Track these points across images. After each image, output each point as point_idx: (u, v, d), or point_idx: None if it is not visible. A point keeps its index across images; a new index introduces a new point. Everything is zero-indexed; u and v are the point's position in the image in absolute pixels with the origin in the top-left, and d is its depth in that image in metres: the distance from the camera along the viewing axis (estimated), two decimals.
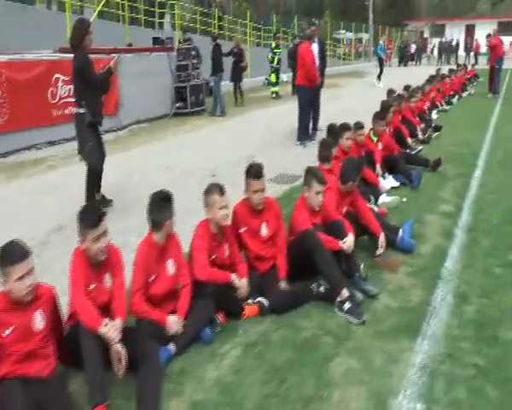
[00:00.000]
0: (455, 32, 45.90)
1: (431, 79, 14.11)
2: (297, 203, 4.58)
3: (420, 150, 8.85)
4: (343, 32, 41.07)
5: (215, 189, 3.96)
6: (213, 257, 3.98)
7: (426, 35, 51.27)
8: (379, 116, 7.51)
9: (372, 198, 6.28)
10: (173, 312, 3.66)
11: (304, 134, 10.12)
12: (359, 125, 7.04)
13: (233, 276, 3.89)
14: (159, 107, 14.18)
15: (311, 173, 4.47)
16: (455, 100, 15.63)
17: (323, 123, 10.95)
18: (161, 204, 3.65)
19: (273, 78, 18.41)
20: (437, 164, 7.70)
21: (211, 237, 3.98)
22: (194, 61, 14.38)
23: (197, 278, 3.80)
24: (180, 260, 3.81)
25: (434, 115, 12.53)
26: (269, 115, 14.46)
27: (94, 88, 6.12)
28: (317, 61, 9.76)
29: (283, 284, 4.13)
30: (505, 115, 13.32)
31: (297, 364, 3.39)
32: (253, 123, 13.38)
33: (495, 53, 16.76)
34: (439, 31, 50.61)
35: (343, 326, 3.80)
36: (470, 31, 46.58)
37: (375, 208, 5.86)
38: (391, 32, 47.16)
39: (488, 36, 17.79)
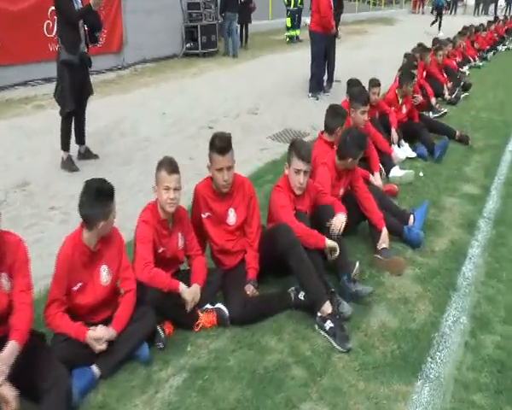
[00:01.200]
0: None
1: (463, 31, 12.50)
2: (278, 182, 3.56)
3: (444, 113, 7.61)
4: None
5: (165, 164, 2.95)
6: (161, 250, 3.03)
7: None
8: (410, 75, 6.25)
9: (382, 170, 5.23)
10: (109, 321, 2.78)
11: (317, 86, 8.90)
12: (374, 83, 5.88)
13: (181, 286, 2.93)
14: (168, 46, 12.92)
15: (293, 146, 3.45)
16: (490, 55, 13.93)
17: (343, 74, 9.80)
18: (97, 198, 2.63)
19: (288, 22, 16.79)
20: (463, 140, 6.48)
21: (159, 224, 3.02)
22: None
23: (137, 278, 2.88)
24: (121, 261, 2.85)
25: (466, 71, 11.08)
26: (284, 61, 13.04)
27: (70, 24, 5.40)
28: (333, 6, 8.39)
29: (251, 288, 3.18)
30: None
31: (250, 407, 2.50)
32: (265, 68, 12.04)
33: None
34: None
35: (321, 353, 2.86)
36: None
37: (380, 183, 4.81)
38: None
39: None
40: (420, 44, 8.83)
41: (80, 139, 5.89)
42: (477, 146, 6.47)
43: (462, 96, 8.77)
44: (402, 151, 5.85)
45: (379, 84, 5.91)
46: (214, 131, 3.33)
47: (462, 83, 9.39)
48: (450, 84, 9.04)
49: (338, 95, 8.85)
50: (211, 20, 13.29)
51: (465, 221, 4.44)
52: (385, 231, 3.72)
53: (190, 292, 2.94)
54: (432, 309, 3.23)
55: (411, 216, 4.21)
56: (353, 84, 5.92)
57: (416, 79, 6.37)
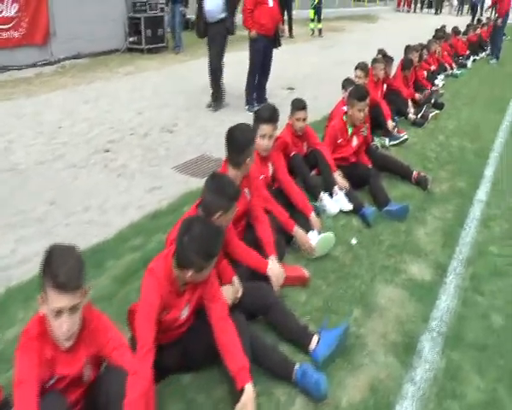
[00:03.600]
0: None
1: (439, 34, 10.82)
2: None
3: (405, 140, 5.93)
4: None
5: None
6: None
7: None
8: (356, 95, 4.56)
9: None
10: None
11: (251, 98, 7.18)
12: (299, 105, 4.30)
13: None
14: (108, 40, 11.08)
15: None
16: (469, 62, 12.25)
17: (298, 79, 8.02)
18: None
19: (311, 14, 16.09)
20: (421, 184, 4.81)
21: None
22: None
23: None
24: None
25: (439, 81, 9.40)
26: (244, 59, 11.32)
27: None
28: (270, 3, 6.63)
29: None
30: None
31: None
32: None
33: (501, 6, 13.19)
34: None
35: None
36: None
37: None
38: None
39: None
40: (381, 51, 7.14)
41: None
42: (439, 192, 4.80)
43: (431, 115, 7.09)
44: (334, 202, 4.19)
45: (304, 107, 4.26)
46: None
47: (432, 100, 7.73)
48: (418, 97, 7.39)
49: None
50: (157, 12, 11.48)
51: (402, 339, 2.80)
52: None
53: None
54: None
55: (314, 337, 2.60)
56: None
57: (366, 102, 4.69)
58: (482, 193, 4.85)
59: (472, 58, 12.71)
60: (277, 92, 8.40)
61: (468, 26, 14.15)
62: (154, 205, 4.35)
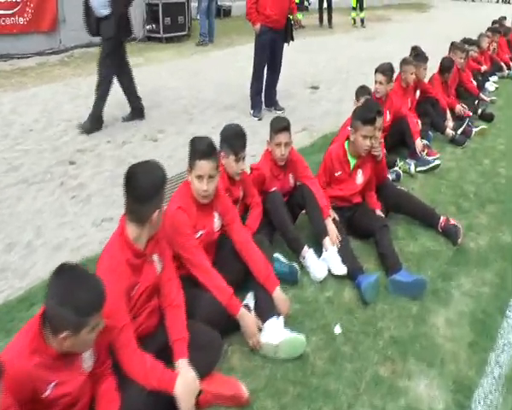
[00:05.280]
0: None
1: (495, 27, 9.21)
2: None
3: (436, 166, 4.64)
4: None
5: None
6: None
7: None
8: (361, 116, 3.35)
9: None
10: None
11: (258, 100, 6.02)
12: (279, 127, 3.15)
13: None
14: None
15: None
16: None
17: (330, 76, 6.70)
18: None
19: (353, 2, 14.51)
20: (449, 234, 3.51)
21: None
22: None
23: None
24: None
25: (491, 86, 7.89)
26: None
27: None
28: None
29: None
30: None
31: None
32: (232, 62, 9.04)
33: None
34: None
35: None
36: None
37: None
38: None
39: None
40: (414, 49, 5.77)
41: None
42: (475, 249, 3.49)
43: (476, 130, 5.70)
44: (321, 262, 3.03)
45: (286, 129, 3.14)
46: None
47: (479, 110, 6.30)
48: (460, 109, 6.00)
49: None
50: None
51: None
52: None
53: None
54: None
55: None
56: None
57: (380, 123, 3.46)
58: None
59: None
60: (297, 91, 7.21)
61: None
62: (94, 246, 3.33)
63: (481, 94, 7.05)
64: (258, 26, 5.52)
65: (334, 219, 3.20)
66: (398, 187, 3.92)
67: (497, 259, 3.39)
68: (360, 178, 3.38)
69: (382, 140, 3.80)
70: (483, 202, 4.21)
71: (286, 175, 3.30)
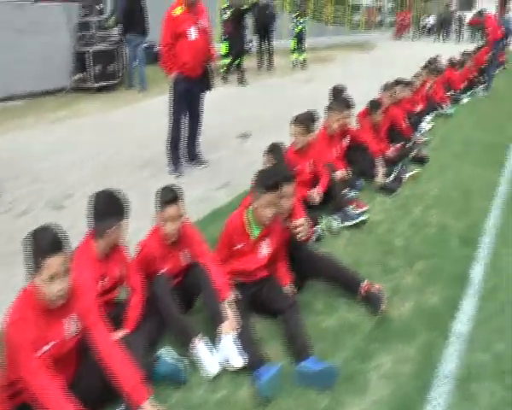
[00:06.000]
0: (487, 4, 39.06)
1: (430, 66, 9.31)
2: None
3: (362, 222, 4.35)
4: None
5: None
6: None
7: (454, 7, 44.51)
8: (262, 181, 3.03)
9: None
10: None
11: (174, 155, 5.68)
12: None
13: None
14: (51, 77, 9.68)
15: None
16: (465, 98, 10.70)
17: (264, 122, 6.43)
18: None
19: (292, 44, 14.82)
20: (371, 302, 3.17)
21: None
22: (102, 16, 9.85)
23: None
24: None
25: (426, 125, 7.87)
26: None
27: None
28: (193, 35, 5.15)
29: None
30: None
31: None
32: (156, 113, 8.72)
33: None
34: (468, 3, 43.76)
35: None
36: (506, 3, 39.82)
37: None
38: (414, 2, 41.04)
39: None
40: (337, 91, 5.60)
41: None
42: (397, 318, 3.16)
43: (409, 175, 5.52)
44: (214, 355, 2.63)
45: (175, 200, 2.78)
46: None
47: (413, 153, 6.17)
48: (392, 152, 5.83)
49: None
50: (108, 45, 10.13)
51: None
52: None
53: None
54: None
55: None
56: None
57: (290, 189, 3.15)
58: (464, 318, 3.25)
59: (469, 92, 11.20)
60: (226, 141, 6.91)
61: (464, 54, 12.64)
62: None
63: (415, 135, 6.98)
64: (173, 74, 5.25)
65: (235, 300, 2.82)
66: (317, 250, 3.59)
67: (421, 329, 3.06)
68: (265, 249, 3.02)
69: (311, 222, 3.53)
70: (412, 258, 3.92)
71: (178, 253, 2.92)
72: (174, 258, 2.89)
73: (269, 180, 2.91)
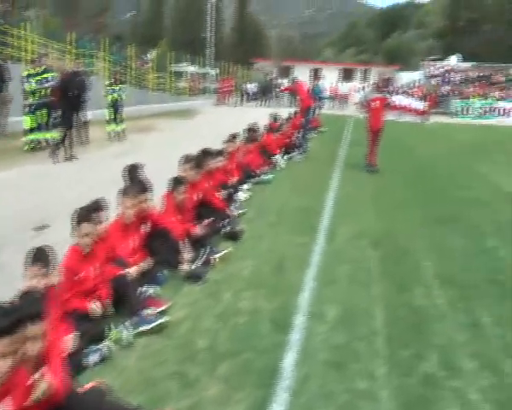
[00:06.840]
0: (302, 74, 43.99)
1: (248, 134, 9.51)
2: None
3: (162, 324, 3.82)
4: (185, 64, 36.58)
5: None
6: None
7: (274, 75, 48.79)
8: None
9: None
10: None
11: None
12: None
13: None
14: None
15: None
16: (282, 161, 11.13)
17: (67, 209, 5.64)
18: None
19: (107, 114, 14.04)
20: None
21: None
22: None
23: None
24: None
25: (243, 194, 7.83)
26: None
27: None
28: None
29: None
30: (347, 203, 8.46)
31: None
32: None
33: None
34: (286, 72, 48.58)
35: None
36: (317, 74, 45.50)
37: None
38: (237, 70, 43.95)
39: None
40: (132, 176, 5.14)
41: None
42: None
43: (218, 256, 5.14)
44: None
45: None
46: None
47: (226, 229, 5.90)
48: (201, 229, 5.46)
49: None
50: None
51: None
52: None
53: None
54: None
55: None
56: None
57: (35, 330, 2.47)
58: None
59: (286, 156, 11.74)
60: (15, 236, 5.89)
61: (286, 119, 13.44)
62: None
63: (230, 208, 6.81)
64: None
65: None
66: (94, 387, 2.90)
67: None
68: None
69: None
70: (216, 360, 3.45)
71: None
72: None
73: (3, 320, 2.22)
